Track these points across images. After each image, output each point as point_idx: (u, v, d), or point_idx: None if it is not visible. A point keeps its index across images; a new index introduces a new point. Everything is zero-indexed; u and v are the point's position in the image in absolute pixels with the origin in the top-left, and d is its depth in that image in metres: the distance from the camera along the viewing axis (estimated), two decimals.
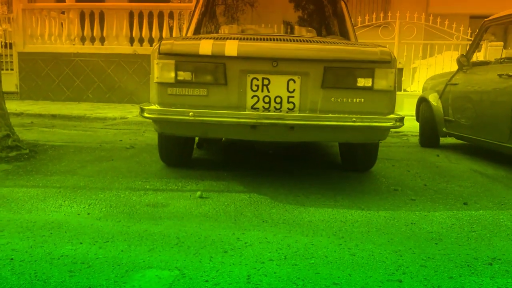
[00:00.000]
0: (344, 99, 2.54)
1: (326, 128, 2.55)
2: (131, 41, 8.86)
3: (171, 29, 8.94)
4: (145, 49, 8.73)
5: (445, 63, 8.10)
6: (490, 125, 3.76)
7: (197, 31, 3.37)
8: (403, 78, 8.58)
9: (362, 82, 2.52)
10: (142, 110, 2.54)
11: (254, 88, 2.52)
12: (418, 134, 5.27)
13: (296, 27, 3.47)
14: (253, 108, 2.54)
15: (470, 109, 4.07)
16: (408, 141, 5.62)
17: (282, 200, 2.63)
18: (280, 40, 2.61)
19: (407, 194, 2.88)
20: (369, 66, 2.53)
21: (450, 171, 3.64)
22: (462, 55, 4.35)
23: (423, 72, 8.60)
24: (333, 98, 2.54)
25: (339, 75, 2.51)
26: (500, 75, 3.62)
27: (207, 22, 3.51)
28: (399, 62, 8.44)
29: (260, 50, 2.50)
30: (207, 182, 2.97)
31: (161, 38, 8.41)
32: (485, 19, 4.17)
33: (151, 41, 8.85)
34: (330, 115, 2.52)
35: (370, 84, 2.53)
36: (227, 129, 2.57)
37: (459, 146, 4.99)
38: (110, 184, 2.87)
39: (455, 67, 7.98)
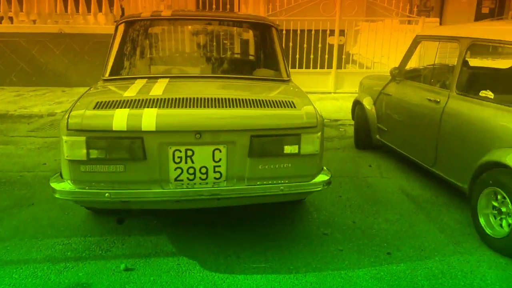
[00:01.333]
0: (272, 165, 2.48)
1: (254, 196, 2.50)
2: (56, 18, 8.09)
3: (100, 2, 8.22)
4: (73, 27, 8.02)
5: (385, 29, 8.19)
6: (418, 146, 3.86)
7: (114, 71, 3.08)
8: (346, 40, 8.54)
9: (288, 149, 2.45)
10: (53, 190, 2.34)
11: (177, 160, 2.38)
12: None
13: (225, 65, 3.28)
14: (176, 180, 2.42)
15: (401, 124, 4.15)
16: (345, 134, 5.72)
17: (211, 267, 2.59)
18: (204, 103, 2.45)
19: (336, 240, 2.95)
20: (296, 133, 2.45)
21: (380, 194, 3.74)
22: (394, 68, 4.36)
23: (365, 35, 8.64)
24: (260, 166, 2.46)
25: (265, 143, 2.42)
26: (429, 100, 3.68)
27: (127, 58, 3.22)
28: (340, 40, 8.42)
29: (181, 123, 2.34)
30: (133, 240, 2.86)
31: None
32: (418, 34, 4.16)
33: (79, 18, 8.13)
34: (258, 184, 2.46)
35: (296, 151, 2.47)
36: (149, 203, 2.44)
37: (392, 149, 5.14)
38: (28, 253, 2.69)
39: (395, 35, 8.21)
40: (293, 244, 2.88)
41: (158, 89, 2.71)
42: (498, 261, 2.74)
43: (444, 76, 3.99)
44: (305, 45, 7.91)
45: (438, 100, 3.56)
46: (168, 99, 2.48)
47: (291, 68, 8.18)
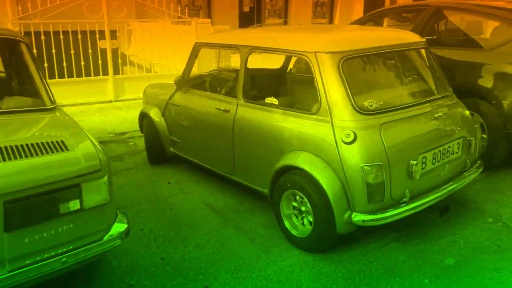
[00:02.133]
0: (45, 234, 1.86)
1: (26, 282, 1.84)
2: None
3: None
4: None
5: (159, 30, 7.97)
6: (215, 156, 3.73)
7: None
8: (120, 42, 7.96)
9: (66, 206, 1.88)
10: None
11: None
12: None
13: None
14: None
15: (195, 135, 3.95)
16: (136, 149, 5.24)
17: None
18: None
19: None
20: (73, 183, 1.90)
21: (184, 215, 3.47)
22: (178, 77, 4.11)
23: (139, 33, 8.18)
24: (27, 239, 1.82)
25: (30, 208, 1.79)
26: (219, 109, 3.56)
27: None
28: (113, 44, 7.78)
29: None
30: None
31: None
32: (197, 42, 4.00)
33: None
34: (27, 265, 1.81)
35: (78, 206, 1.92)
36: None
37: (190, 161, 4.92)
38: None
39: (171, 35, 8.06)
40: None
41: None
42: (307, 260, 2.82)
43: (229, 83, 3.96)
44: (72, 51, 6.96)
45: (228, 109, 3.47)
46: None
47: (59, 77, 7.13)
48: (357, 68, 2.95)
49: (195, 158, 4.05)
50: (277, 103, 3.16)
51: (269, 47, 3.31)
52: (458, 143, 3.03)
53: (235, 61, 4.71)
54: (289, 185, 2.91)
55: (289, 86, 4.15)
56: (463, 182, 3.05)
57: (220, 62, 8.02)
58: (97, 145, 2.11)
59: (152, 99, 4.66)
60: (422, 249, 2.88)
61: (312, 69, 2.87)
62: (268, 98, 3.23)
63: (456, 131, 3.03)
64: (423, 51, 3.27)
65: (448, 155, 2.96)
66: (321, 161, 2.75)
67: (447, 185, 2.96)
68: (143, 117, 4.68)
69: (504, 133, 3.87)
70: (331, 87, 2.77)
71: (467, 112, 3.23)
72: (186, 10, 8.48)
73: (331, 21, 16.54)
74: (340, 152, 2.64)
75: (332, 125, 2.72)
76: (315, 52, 2.87)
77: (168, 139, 4.34)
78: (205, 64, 6.34)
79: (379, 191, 2.60)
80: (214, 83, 4.15)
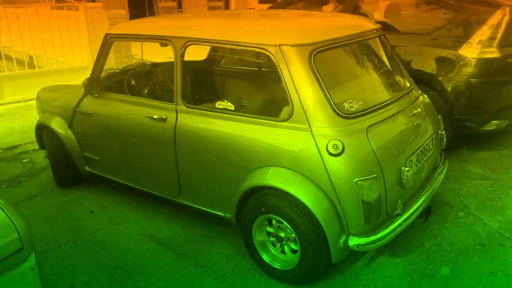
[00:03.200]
0: None
1: None
2: None
3: None
4: None
5: (39, 17, 6.71)
6: (153, 176, 3.04)
7: None
8: None
9: None
10: None
11: None
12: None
13: None
14: None
15: (121, 152, 3.18)
16: (34, 167, 4.23)
17: None
18: None
19: None
20: None
21: (123, 256, 2.76)
22: (87, 79, 3.27)
23: (13, 22, 6.76)
24: None
25: None
26: (150, 117, 2.86)
27: None
28: None
29: None
30: None
31: None
32: (108, 33, 3.17)
33: None
34: None
35: None
36: None
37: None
38: None
39: (52, 22, 6.77)
40: None
41: None
42: None
43: (158, 84, 3.25)
44: None
45: (164, 117, 2.79)
46: None
47: None
48: (327, 63, 2.50)
49: (121, 179, 3.29)
50: (232, 108, 2.59)
51: (213, 39, 2.70)
52: (432, 138, 2.80)
53: (148, 53, 3.96)
54: (263, 209, 2.40)
55: (240, 84, 3.56)
56: (440, 179, 2.84)
57: (126, 55, 7.05)
58: (15, 211, 1.36)
59: (51, 107, 3.72)
60: (411, 260, 2.61)
61: (276, 65, 2.35)
62: (220, 102, 2.64)
63: (429, 126, 2.79)
64: (382, 38, 2.95)
65: (426, 154, 2.71)
66: (302, 177, 2.27)
67: (429, 185, 2.72)
68: (43, 129, 3.72)
69: (449, 119, 3.81)
70: (304, 87, 2.28)
71: (431, 104, 3.02)
72: None
73: (227, 4, 15.96)
74: (327, 166, 2.20)
75: (311, 133, 2.25)
76: (278, 45, 2.35)
77: (80, 156, 3.49)
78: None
79: (376, 208, 2.22)
80: (137, 83, 3.40)
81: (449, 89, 3.81)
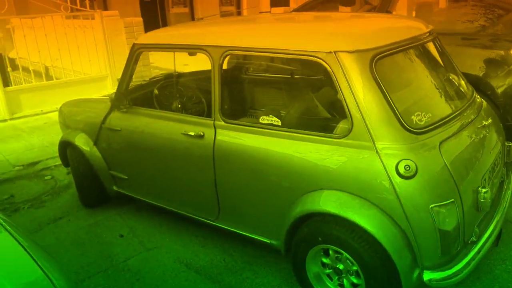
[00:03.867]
0: None
1: None
2: None
3: None
4: None
5: (48, 26, 6.53)
6: (189, 197, 2.78)
7: None
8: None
9: None
10: None
11: None
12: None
13: None
14: None
15: (153, 171, 2.94)
16: (57, 184, 4.01)
17: None
18: None
19: None
20: None
21: (161, 285, 2.50)
22: (114, 93, 3.04)
23: (29, 32, 6.60)
24: None
25: None
26: (185, 134, 2.61)
27: None
28: None
29: None
30: None
31: None
32: (136, 42, 2.93)
33: None
34: None
35: None
36: None
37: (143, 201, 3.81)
38: None
39: (68, 32, 6.59)
40: None
41: None
42: None
43: (193, 97, 3.01)
44: None
45: (202, 133, 2.54)
46: None
47: None
48: (389, 70, 2.22)
49: (153, 200, 3.05)
50: (279, 123, 2.33)
51: (254, 47, 2.43)
52: (500, 152, 2.50)
53: (178, 63, 3.71)
54: (320, 239, 2.12)
55: (286, 96, 3.29)
56: (509, 195, 2.54)
57: (143, 63, 6.84)
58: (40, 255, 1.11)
59: (74, 122, 3.50)
60: None
61: (332, 74, 2.08)
62: (265, 116, 2.38)
63: (497, 138, 2.50)
64: (437, 41, 2.66)
65: (495, 169, 2.41)
66: (366, 203, 2.00)
67: (499, 205, 2.42)
68: (66, 146, 3.50)
69: (504, 126, 3.49)
70: (365, 99, 2.01)
71: (494, 112, 2.72)
72: (87, 2, 7.05)
73: (238, 8, 15.75)
74: (397, 189, 1.92)
75: (376, 152, 1.98)
76: (334, 51, 2.08)
77: (107, 175, 3.26)
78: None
79: (455, 237, 1.94)
80: (168, 97, 3.16)
81: (500, 93, 3.51)
